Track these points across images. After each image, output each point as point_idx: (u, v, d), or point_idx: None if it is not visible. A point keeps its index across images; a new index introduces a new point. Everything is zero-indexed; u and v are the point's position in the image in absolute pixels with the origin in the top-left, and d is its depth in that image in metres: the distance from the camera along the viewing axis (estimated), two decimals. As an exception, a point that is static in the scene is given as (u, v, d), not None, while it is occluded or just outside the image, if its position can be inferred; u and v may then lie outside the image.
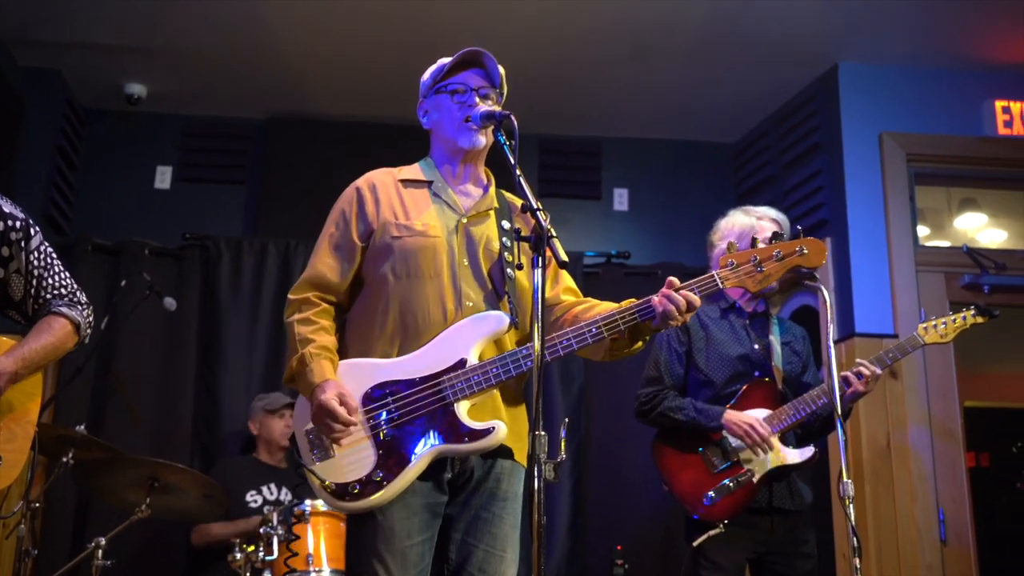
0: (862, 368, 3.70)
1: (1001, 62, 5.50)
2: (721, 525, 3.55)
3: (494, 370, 2.54)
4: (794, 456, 3.68)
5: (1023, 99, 5.55)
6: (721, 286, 2.67)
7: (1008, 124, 5.49)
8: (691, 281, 2.63)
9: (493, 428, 2.53)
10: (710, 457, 3.67)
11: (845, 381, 3.69)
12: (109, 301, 5.11)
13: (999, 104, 5.51)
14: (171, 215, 5.95)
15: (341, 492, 2.56)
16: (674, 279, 2.59)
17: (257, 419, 5.09)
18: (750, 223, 3.84)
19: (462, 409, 2.54)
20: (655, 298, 2.57)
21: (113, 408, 5.33)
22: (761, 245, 2.74)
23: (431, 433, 2.54)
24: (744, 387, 3.74)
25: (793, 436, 3.77)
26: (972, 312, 3.86)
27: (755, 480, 3.62)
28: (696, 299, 2.58)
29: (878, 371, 3.70)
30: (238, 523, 4.64)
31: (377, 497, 2.52)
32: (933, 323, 3.86)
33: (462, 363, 2.55)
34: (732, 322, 3.89)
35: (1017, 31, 5.24)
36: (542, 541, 2.04)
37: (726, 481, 3.61)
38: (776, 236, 2.76)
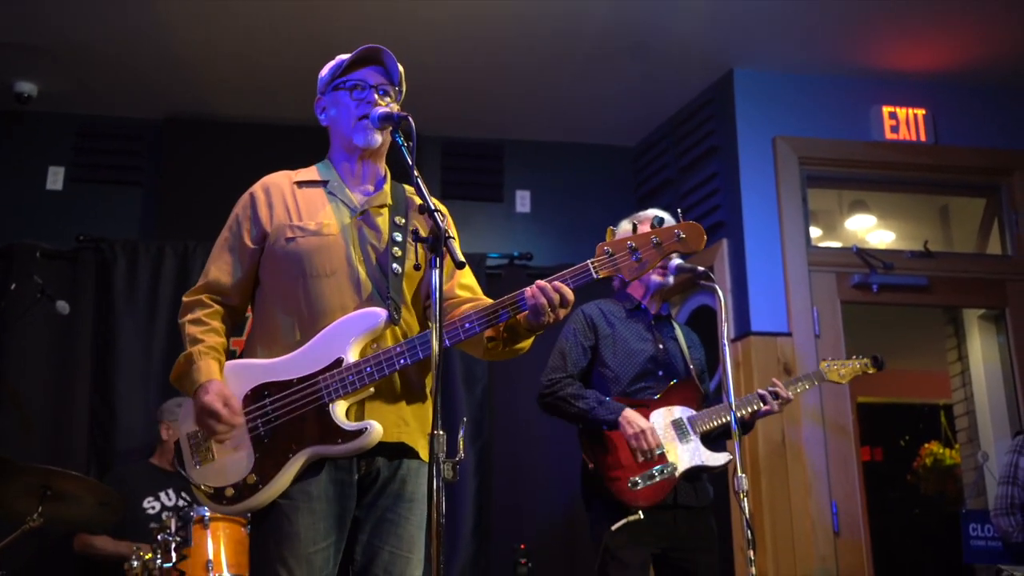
0: (778, 389, 3.85)
1: (888, 69, 5.68)
2: (640, 513, 3.56)
3: (367, 369, 2.49)
4: (714, 459, 3.76)
5: (909, 105, 5.73)
6: (595, 276, 2.54)
7: (895, 129, 5.68)
8: (564, 272, 2.53)
9: (366, 428, 2.48)
10: None
11: (762, 399, 3.83)
12: (-3, 305, 4.97)
13: (886, 109, 5.70)
14: (64, 217, 5.80)
15: (218, 496, 2.55)
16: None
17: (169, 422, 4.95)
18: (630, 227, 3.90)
19: (338, 410, 2.50)
20: (527, 289, 2.50)
21: (2, 415, 5.17)
22: (641, 230, 2.61)
23: (306, 435, 2.50)
24: (671, 384, 3.82)
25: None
26: (868, 362, 4.15)
27: (676, 475, 3.68)
28: (569, 292, 2.48)
29: (790, 396, 3.87)
30: (119, 544, 4.58)
31: (250, 501, 2.51)
32: (835, 365, 4.15)
33: (339, 362, 2.51)
34: (638, 322, 3.96)
35: (903, 40, 5.42)
36: (441, 540, 2.04)
37: (653, 470, 3.64)
38: (657, 222, 2.66)
